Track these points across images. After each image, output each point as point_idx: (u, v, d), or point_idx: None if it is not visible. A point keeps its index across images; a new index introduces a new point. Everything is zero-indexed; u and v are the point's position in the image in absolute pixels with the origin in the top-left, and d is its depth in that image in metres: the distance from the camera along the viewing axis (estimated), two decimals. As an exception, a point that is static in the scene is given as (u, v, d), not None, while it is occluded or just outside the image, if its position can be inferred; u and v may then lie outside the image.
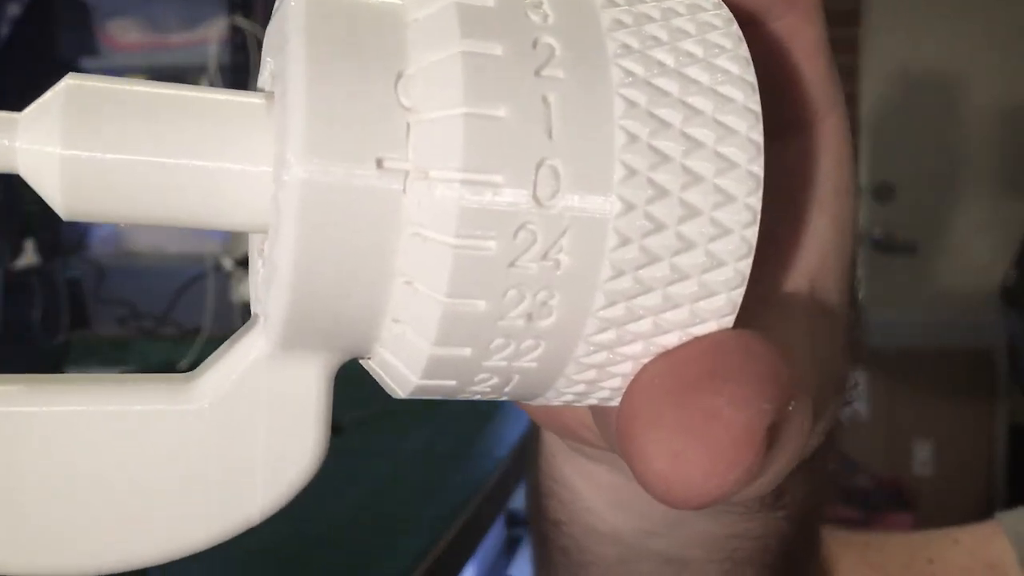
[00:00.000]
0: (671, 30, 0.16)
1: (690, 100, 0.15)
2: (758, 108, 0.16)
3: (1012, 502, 0.54)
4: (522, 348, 0.15)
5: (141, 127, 0.15)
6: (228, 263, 1.60)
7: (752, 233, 0.15)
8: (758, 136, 0.15)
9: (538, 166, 0.14)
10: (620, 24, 0.15)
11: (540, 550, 0.32)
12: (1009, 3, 3.18)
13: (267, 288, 0.15)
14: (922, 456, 3.08)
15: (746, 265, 0.16)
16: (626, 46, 0.15)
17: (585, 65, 0.15)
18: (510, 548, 2.01)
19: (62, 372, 1.39)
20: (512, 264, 0.14)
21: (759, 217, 0.15)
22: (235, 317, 1.62)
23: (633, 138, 0.15)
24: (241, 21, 1.67)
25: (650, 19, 0.16)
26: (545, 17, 0.15)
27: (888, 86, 3.30)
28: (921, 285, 3.36)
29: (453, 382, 0.16)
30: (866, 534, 0.51)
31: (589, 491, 0.27)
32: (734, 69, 0.16)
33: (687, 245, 0.15)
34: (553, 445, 0.28)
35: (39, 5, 1.74)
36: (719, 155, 0.15)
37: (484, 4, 0.14)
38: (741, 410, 0.15)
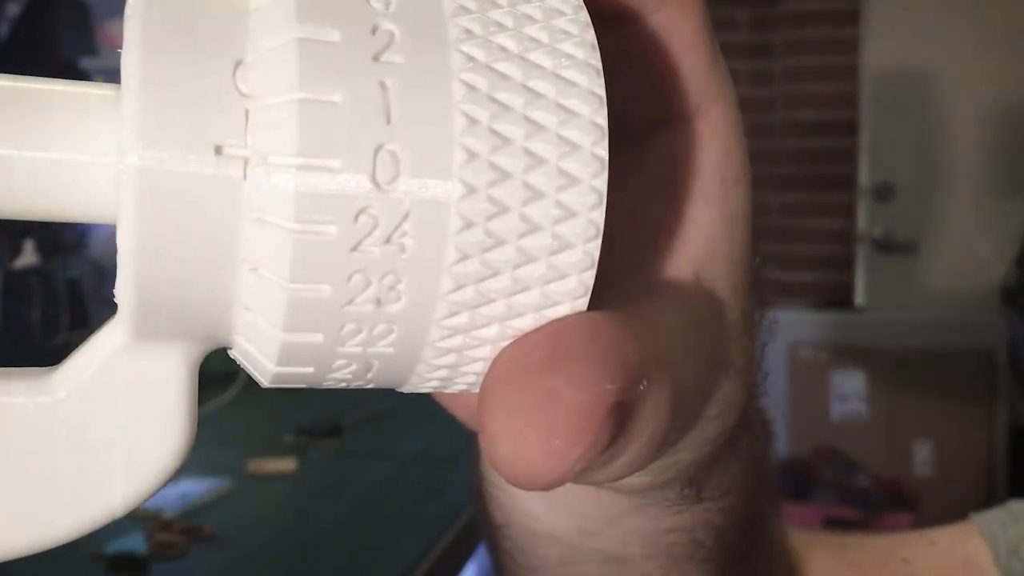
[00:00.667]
0: (516, 16, 0.15)
1: (532, 84, 0.15)
2: (602, 92, 0.15)
3: (1013, 502, 0.55)
4: (375, 333, 0.15)
5: None
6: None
7: (599, 215, 0.15)
8: (602, 120, 0.15)
9: (376, 150, 0.14)
10: (463, 10, 0.15)
11: (492, 556, 0.32)
12: (1009, 3, 3.18)
13: (119, 279, 0.15)
14: (922, 456, 3.08)
15: (595, 247, 0.15)
16: (468, 31, 0.15)
17: (425, 50, 0.15)
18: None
19: (62, 372, 1.40)
20: (354, 248, 0.14)
21: (604, 199, 0.15)
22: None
23: (473, 122, 0.15)
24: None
25: (495, 5, 0.16)
26: (387, 4, 0.15)
27: (888, 86, 3.31)
28: (921, 285, 3.36)
29: (311, 369, 0.16)
30: (842, 535, 0.51)
31: (525, 493, 0.27)
32: (579, 54, 0.15)
33: (533, 227, 0.15)
34: None
35: (39, 5, 1.75)
36: (562, 138, 0.15)
37: None
38: (580, 390, 0.15)
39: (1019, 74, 3.20)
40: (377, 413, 1.28)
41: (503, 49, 0.15)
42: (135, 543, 0.85)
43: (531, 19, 0.16)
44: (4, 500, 0.16)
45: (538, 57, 0.15)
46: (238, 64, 0.14)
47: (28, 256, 1.42)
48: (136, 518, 0.95)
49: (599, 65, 0.16)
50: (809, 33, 3.34)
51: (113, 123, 0.15)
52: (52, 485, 0.16)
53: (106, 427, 0.16)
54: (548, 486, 0.15)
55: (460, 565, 0.98)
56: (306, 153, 0.14)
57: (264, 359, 0.16)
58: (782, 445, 2.92)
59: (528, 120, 0.15)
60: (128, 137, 0.14)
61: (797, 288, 3.44)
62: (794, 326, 3.25)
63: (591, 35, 0.16)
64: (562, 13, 0.16)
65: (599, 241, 0.16)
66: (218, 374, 1.55)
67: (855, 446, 3.03)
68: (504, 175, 0.15)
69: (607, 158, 0.15)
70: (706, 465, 0.23)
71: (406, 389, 0.17)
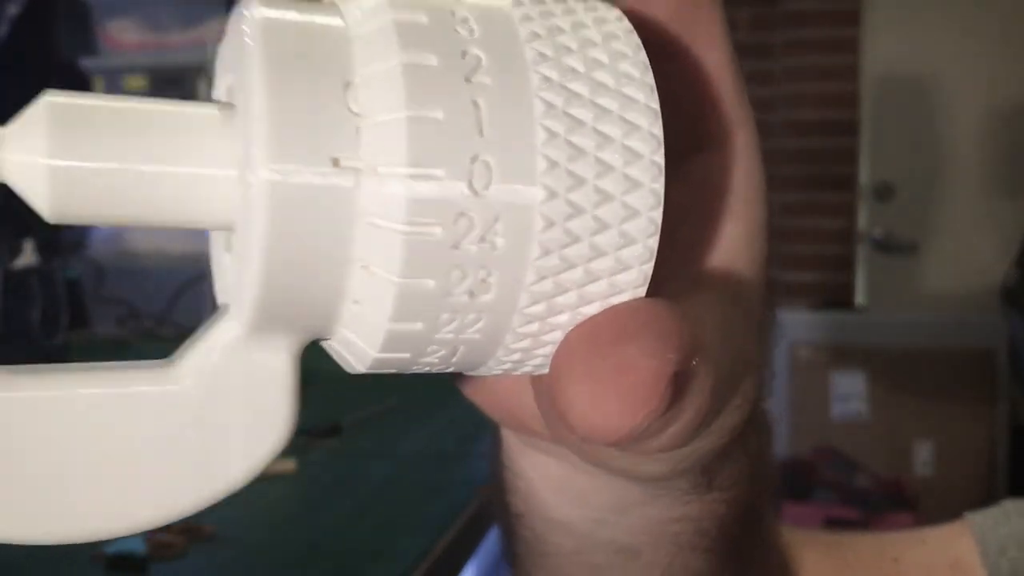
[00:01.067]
0: (580, 40, 0.18)
1: (599, 100, 0.17)
2: (657, 107, 0.18)
3: (1014, 502, 0.55)
4: (466, 321, 0.17)
5: (116, 138, 0.17)
6: (228, 263, 1.60)
7: (657, 215, 0.18)
8: (659, 131, 0.18)
9: (472, 160, 0.16)
10: (536, 36, 0.18)
11: (506, 543, 0.33)
12: (1009, 5, 3.18)
13: (238, 279, 0.18)
14: (923, 456, 3.08)
15: (654, 242, 0.18)
16: (542, 55, 0.17)
17: (508, 72, 0.17)
18: (510, 548, 2.02)
19: (62, 372, 1.40)
20: (455, 247, 0.16)
21: (663, 200, 0.18)
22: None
23: (553, 135, 0.17)
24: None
25: (562, 31, 0.18)
26: (472, 32, 0.17)
27: (888, 86, 3.31)
28: (921, 285, 3.37)
29: (407, 354, 0.18)
30: (835, 534, 0.52)
31: (542, 483, 0.29)
32: (636, 73, 0.18)
33: (603, 226, 0.17)
34: (509, 440, 0.30)
35: (39, 5, 1.75)
36: (626, 148, 0.17)
37: (418, 20, 0.17)
38: (649, 358, 0.17)
39: (1019, 75, 3.20)
40: (377, 413, 1.28)
41: (573, 70, 0.17)
42: (134, 543, 0.85)
43: (592, 43, 0.18)
44: (136, 479, 0.18)
45: (602, 76, 0.18)
46: (347, 86, 0.16)
47: (28, 256, 1.43)
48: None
49: (653, 83, 0.18)
50: (809, 33, 3.34)
51: (226, 140, 0.17)
52: (180, 464, 0.18)
53: (227, 410, 0.18)
54: (620, 441, 0.18)
55: (460, 565, 0.98)
56: (415, 164, 0.16)
57: (367, 347, 0.18)
58: (782, 445, 2.92)
59: (597, 132, 0.17)
60: (260, 154, 0.16)
61: (797, 288, 3.44)
62: (794, 326, 3.26)
63: (643, 56, 0.18)
64: (617, 37, 0.18)
65: (658, 236, 0.18)
66: (218, 374, 1.56)
67: (855, 446, 3.03)
68: (580, 181, 0.17)
69: (663, 164, 0.18)
70: (721, 456, 0.25)
71: (481, 372, 0.19)
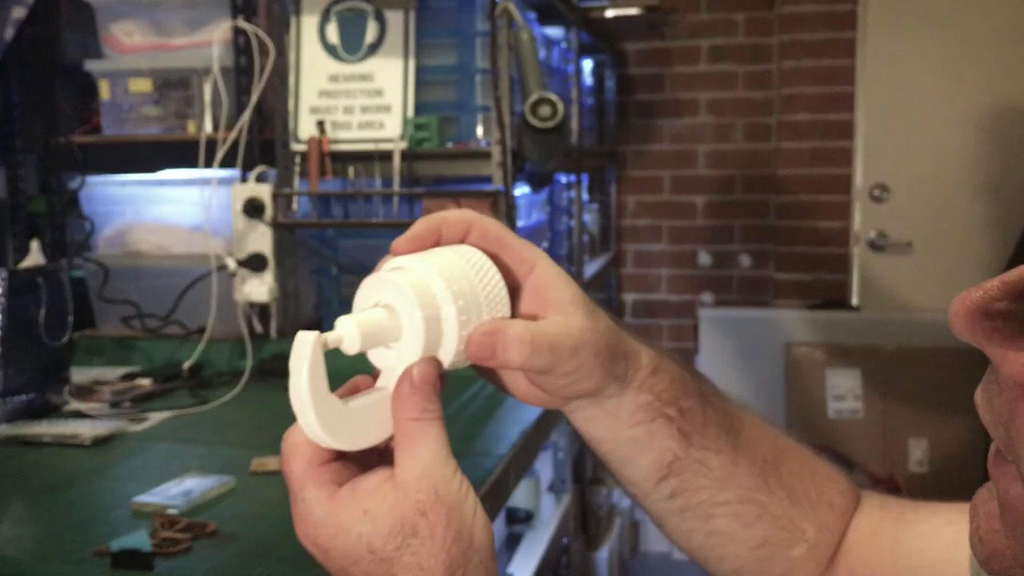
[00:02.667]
0: (479, 285, 0.55)
1: (481, 296, 0.55)
2: (507, 296, 0.56)
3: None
4: (463, 334, 0.54)
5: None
6: (232, 264, 1.61)
7: (507, 310, 0.56)
8: (506, 310, 0.56)
9: (438, 317, 0.54)
10: (454, 282, 0.54)
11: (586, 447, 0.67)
12: (1002, 7, 3.19)
13: (399, 359, 0.54)
14: (917, 454, 3.10)
15: (508, 311, 0.56)
16: (468, 300, 0.54)
17: (456, 301, 0.54)
18: (510, 545, 2.03)
19: (68, 371, 1.42)
20: (463, 327, 0.54)
21: (509, 309, 0.56)
22: (238, 317, 1.64)
23: (468, 324, 0.54)
24: (244, 24, 1.69)
25: (473, 288, 0.54)
26: (449, 288, 0.54)
27: (884, 88, 3.32)
28: (916, 285, 3.38)
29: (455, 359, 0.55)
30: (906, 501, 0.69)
31: (576, 424, 0.63)
32: (499, 287, 0.56)
33: (488, 311, 0.56)
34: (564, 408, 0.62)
35: (44, 8, 1.76)
36: (492, 307, 0.55)
37: (438, 315, 0.53)
38: (505, 327, 0.54)
39: (1013, 78, 3.21)
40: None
41: (474, 292, 0.54)
42: (140, 540, 0.86)
43: (478, 282, 0.55)
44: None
45: (483, 288, 0.55)
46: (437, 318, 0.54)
47: (35, 256, 1.44)
48: (141, 514, 0.97)
49: (504, 288, 0.56)
50: (806, 36, 3.35)
51: (396, 331, 0.54)
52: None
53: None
54: (504, 363, 0.54)
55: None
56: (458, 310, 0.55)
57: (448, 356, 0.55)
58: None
59: (486, 315, 0.55)
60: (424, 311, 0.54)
61: (793, 288, 3.46)
62: (790, 325, 3.27)
63: (501, 280, 0.56)
64: (489, 272, 0.56)
65: (508, 309, 0.56)
66: (222, 373, 1.57)
67: (851, 444, 3.04)
68: (475, 311, 0.55)
69: (509, 312, 0.57)
70: (611, 365, 0.58)
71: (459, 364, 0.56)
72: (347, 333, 0.50)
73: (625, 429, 0.61)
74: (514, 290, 0.57)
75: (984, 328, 0.36)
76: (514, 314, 0.56)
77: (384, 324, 0.51)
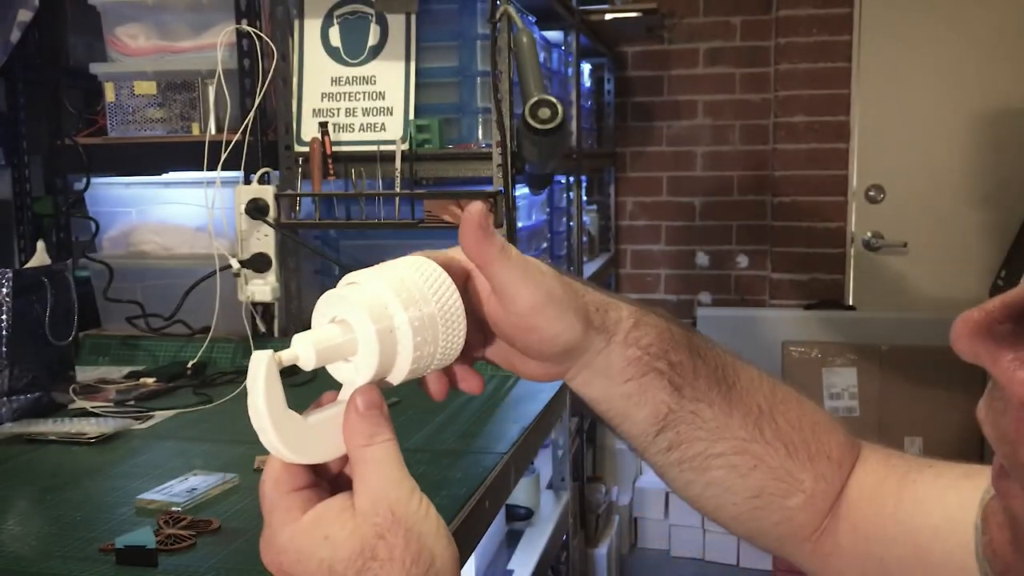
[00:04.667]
0: (431, 295, 0.55)
1: (441, 321, 0.56)
2: (463, 315, 0.57)
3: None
4: (428, 353, 0.56)
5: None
6: (235, 264, 1.62)
7: (461, 341, 0.57)
8: (462, 320, 0.57)
9: (390, 329, 0.54)
10: (412, 303, 0.54)
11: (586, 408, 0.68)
12: (998, 13, 3.20)
13: (356, 373, 0.54)
14: (913, 452, 3.09)
15: (462, 339, 0.57)
16: (420, 310, 0.55)
17: (412, 320, 0.54)
18: (510, 541, 2.04)
19: (73, 369, 1.43)
20: (423, 343, 0.55)
21: (462, 341, 0.57)
22: (242, 317, 1.66)
23: (423, 340, 0.55)
24: (247, 27, 1.70)
25: (425, 297, 0.55)
26: (393, 316, 0.54)
27: (879, 90, 3.33)
28: (911, 285, 3.39)
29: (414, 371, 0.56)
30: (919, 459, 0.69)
31: (575, 387, 0.65)
32: (453, 297, 0.56)
33: (441, 342, 0.56)
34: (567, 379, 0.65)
35: (49, 11, 1.77)
36: (449, 334, 0.56)
37: (391, 326, 0.54)
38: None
39: (1007, 80, 3.22)
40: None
41: (431, 311, 0.55)
42: (144, 536, 0.86)
43: (430, 292, 0.55)
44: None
45: (446, 308, 0.56)
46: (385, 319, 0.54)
47: (40, 257, 1.45)
48: (145, 512, 0.98)
49: (459, 300, 0.56)
50: (802, 39, 3.36)
51: (347, 341, 0.54)
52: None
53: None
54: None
55: (462, 559, 1.00)
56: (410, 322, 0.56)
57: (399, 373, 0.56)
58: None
59: (441, 327, 0.56)
60: (375, 324, 0.54)
61: (790, 288, 3.47)
62: (787, 325, 3.28)
63: (458, 297, 0.56)
64: (448, 286, 0.56)
65: (464, 319, 0.57)
66: (226, 372, 1.58)
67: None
68: (434, 340, 0.55)
69: (463, 340, 0.57)
70: (588, 315, 0.61)
71: (429, 369, 0.57)
72: (302, 351, 0.51)
73: (618, 386, 0.63)
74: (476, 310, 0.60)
75: (988, 348, 0.36)
76: (478, 315, 0.60)
77: (339, 339, 0.53)
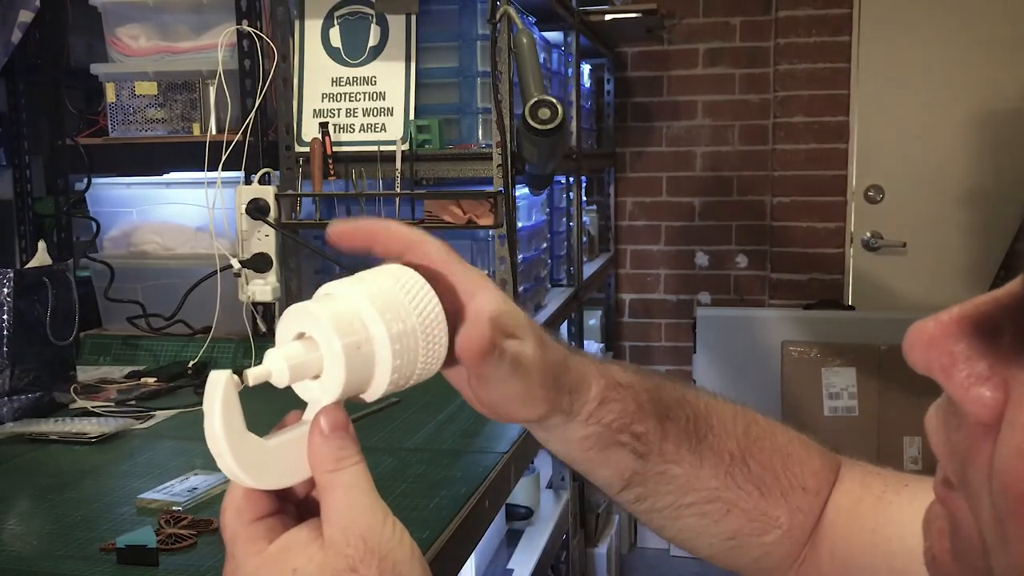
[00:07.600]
0: (411, 306, 0.51)
1: (423, 329, 0.52)
2: (445, 329, 0.53)
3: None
4: (408, 366, 0.52)
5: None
6: (236, 264, 1.63)
7: (442, 354, 0.53)
8: (444, 334, 0.53)
9: (361, 343, 0.51)
10: (387, 311, 0.51)
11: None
12: (994, 12, 3.20)
13: (322, 391, 0.50)
14: (912, 452, 3.11)
15: (444, 349, 0.53)
16: (400, 320, 0.51)
17: (389, 328, 0.50)
18: (510, 541, 2.04)
19: (74, 369, 1.43)
20: (400, 357, 0.51)
21: (444, 354, 0.53)
22: (243, 317, 1.66)
23: (402, 351, 0.51)
24: (248, 28, 1.70)
25: (404, 308, 0.51)
26: (364, 325, 0.51)
27: (878, 91, 3.34)
28: (909, 284, 3.39)
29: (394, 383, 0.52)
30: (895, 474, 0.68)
31: (539, 436, 0.63)
32: (435, 312, 0.52)
33: (422, 356, 0.52)
34: (529, 427, 0.63)
35: (50, 11, 1.77)
36: (430, 346, 0.52)
37: (359, 341, 0.50)
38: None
39: (1005, 81, 3.23)
40: (379, 409, 1.31)
41: (409, 321, 0.51)
42: (145, 536, 0.87)
43: (409, 303, 0.52)
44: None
45: (426, 318, 0.52)
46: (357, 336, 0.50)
47: (41, 257, 1.45)
48: (146, 511, 0.98)
49: (441, 311, 0.53)
50: (801, 40, 3.36)
51: (312, 354, 0.50)
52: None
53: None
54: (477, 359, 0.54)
55: (462, 557, 1.00)
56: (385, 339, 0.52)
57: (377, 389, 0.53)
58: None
59: (421, 340, 0.52)
60: (340, 341, 0.50)
61: (789, 288, 3.47)
62: (786, 325, 3.29)
63: (433, 297, 0.53)
64: (428, 298, 0.52)
65: (446, 334, 0.53)
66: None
67: (846, 441, 3.05)
68: (414, 353, 0.52)
69: (445, 353, 0.53)
70: (556, 397, 0.59)
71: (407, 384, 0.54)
72: (275, 368, 0.48)
73: (577, 452, 0.62)
74: (455, 315, 0.54)
75: (942, 362, 0.34)
76: (452, 340, 0.53)
77: (305, 356, 0.49)
